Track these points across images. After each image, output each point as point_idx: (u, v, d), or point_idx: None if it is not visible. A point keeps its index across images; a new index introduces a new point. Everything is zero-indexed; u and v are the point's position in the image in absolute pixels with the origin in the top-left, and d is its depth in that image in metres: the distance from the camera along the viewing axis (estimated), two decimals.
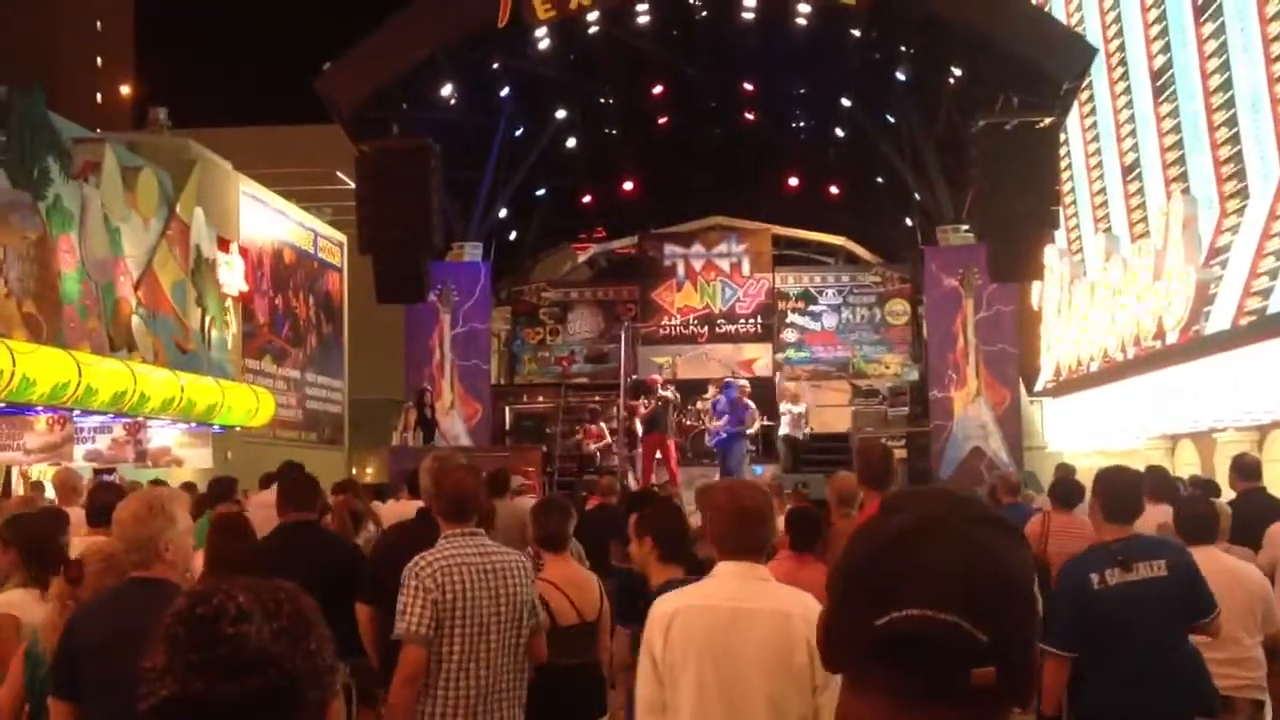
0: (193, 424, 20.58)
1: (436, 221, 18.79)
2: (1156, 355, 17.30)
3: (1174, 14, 18.05)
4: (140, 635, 1.55)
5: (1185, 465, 17.25)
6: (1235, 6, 15.92)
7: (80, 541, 5.97)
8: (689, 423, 20.35)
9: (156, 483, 11.99)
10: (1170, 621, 4.97)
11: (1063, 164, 20.92)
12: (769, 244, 24.80)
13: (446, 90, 19.95)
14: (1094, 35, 21.14)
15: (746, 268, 24.24)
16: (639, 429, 18.62)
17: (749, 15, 19.71)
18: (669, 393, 18.54)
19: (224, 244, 24.58)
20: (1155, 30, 18.92)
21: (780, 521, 5.55)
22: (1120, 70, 20.73)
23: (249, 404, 22.27)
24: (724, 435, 17.63)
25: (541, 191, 25.08)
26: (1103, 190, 22.14)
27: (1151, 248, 17.86)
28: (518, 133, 22.30)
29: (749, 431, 17.96)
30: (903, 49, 19.98)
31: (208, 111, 49.36)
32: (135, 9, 67.80)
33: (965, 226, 20.55)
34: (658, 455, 18.04)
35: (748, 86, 23.69)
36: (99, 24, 63.58)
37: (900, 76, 20.54)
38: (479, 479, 5.19)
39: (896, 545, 1.31)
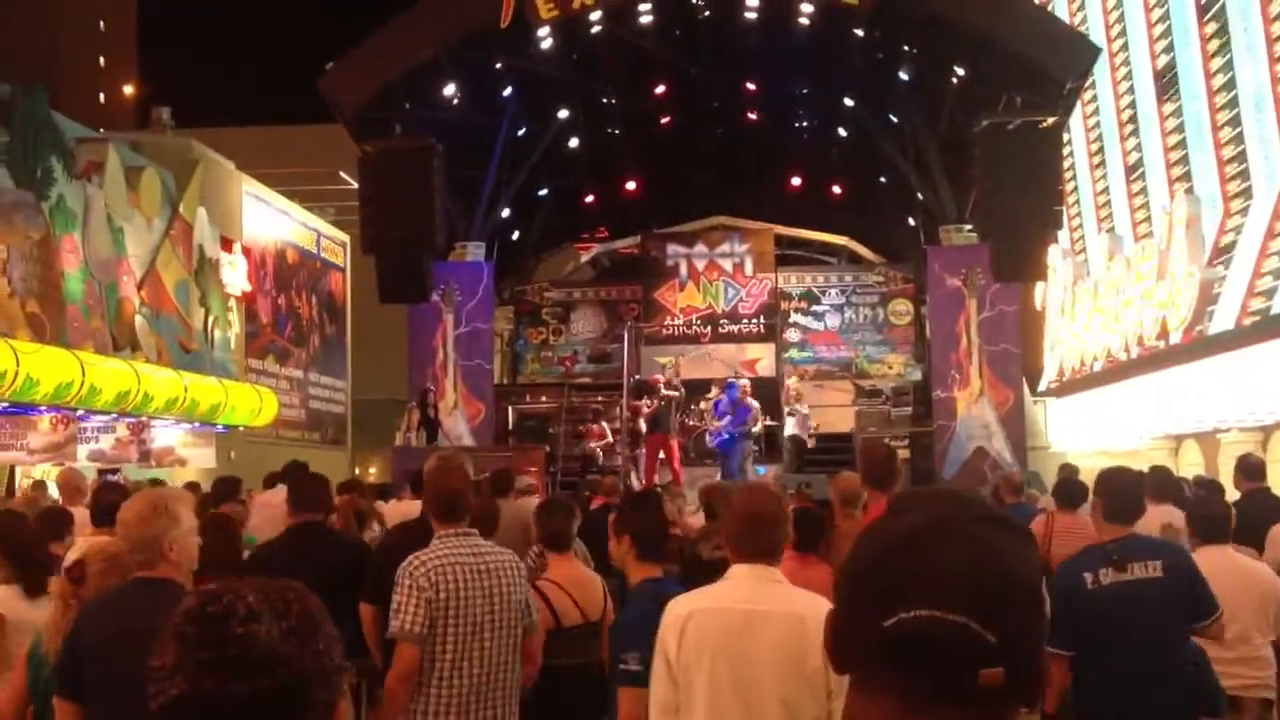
0: (196, 424, 20.59)
1: (439, 221, 18.80)
2: (1160, 355, 17.29)
3: (1177, 13, 18.04)
4: (145, 635, 1.55)
5: (1189, 466, 17.25)
6: (1239, 6, 15.91)
7: (84, 541, 5.98)
8: (691, 423, 20.35)
9: (155, 482, 12.00)
10: (1169, 622, 4.96)
11: (1066, 164, 20.90)
12: (772, 244, 24.79)
13: (449, 90, 19.95)
14: (1097, 34, 21.14)
15: (749, 268, 24.24)
16: (643, 428, 18.61)
17: (751, 15, 19.70)
18: (674, 391, 18.51)
19: (227, 244, 24.59)
20: (1159, 30, 18.91)
21: None
22: (1124, 70, 20.72)
23: (252, 404, 22.28)
24: (726, 436, 17.60)
25: (544, 191, 25.08)
26: (1106, 190, 22.13)
27: (1155, 247, 17.85)
28: (520, 132, 22.29)
29: (753, 431, 17.95)
30: (905, 48, 19.97)
31: (211, 111, 49.42)
32: (138, 9, 67.83)
33: (968, 226, 20.54)
34: (661, 455, 18.03)
35: (750, 86, 23.67)
36: (102, 24, 63.60)
37: (903, 76, 20.52)
38: (469, 479, 5.20)
39: (904, 546, 1.31)
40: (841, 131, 24.37)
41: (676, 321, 24.10)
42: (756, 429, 18.14)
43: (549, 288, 25.81)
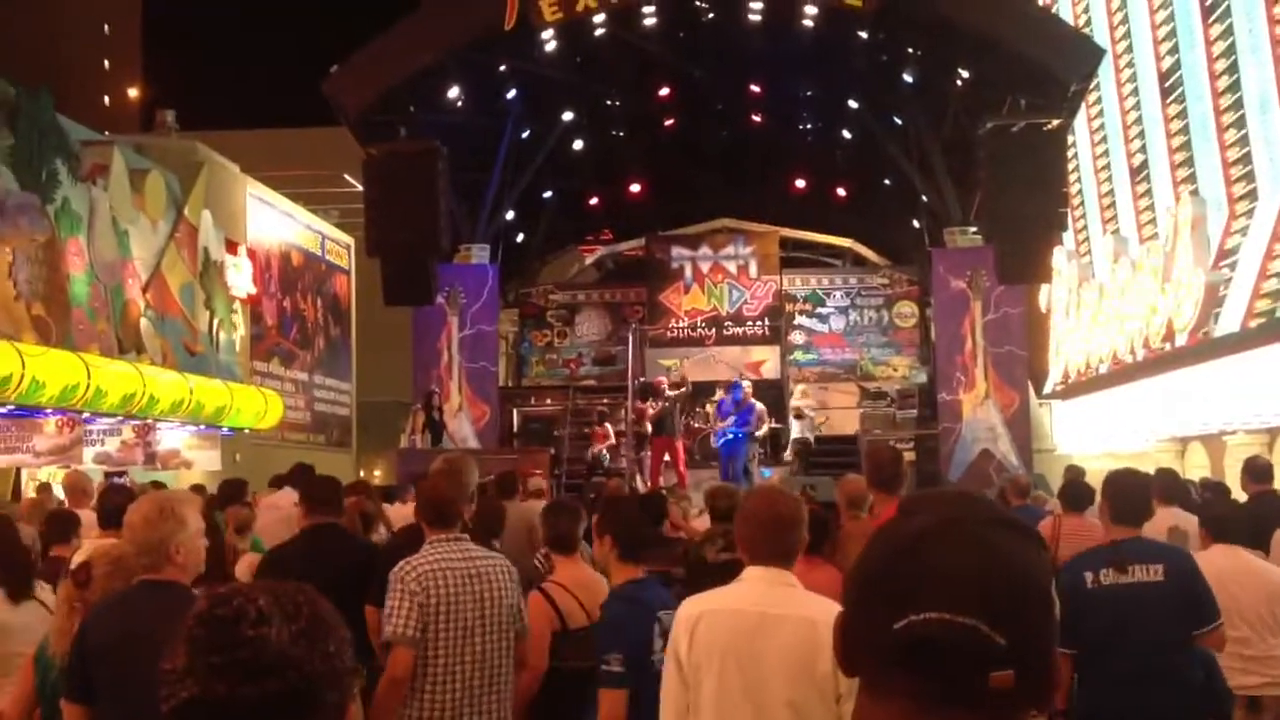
0: (201, 426, 20.61)
1: (444, 224, 18.79)
2: (1166, 357, 17.27)
3: (1182, 15, 18.03)
4: (151, 638, 1.55)
5: (1195, 468, 17.22)
6: (1243, 7, 15.89)
7: (90, 544, 5.98)
8: (697, 425, 20.34)
9: (156, 485, 12.01)
10: (1168, 625, 4.95)
11: (1070, 165, 20.89)
12: (776, 246, 24.77)
13: (453, 93, 19.96)
14: (1101, 36, 21.12)
15: (754, 270, 24.21)
16: (648, 430, 18.60)
17: (755, 17, 19.69)
18: (680, 391, 18.49)
19: (232, 246, 24.62)
20: (1163, 31, 18.90)
21: None
22: (1128, 71, 20.71)
23: (257, 406, 22.30)
24: (730, 436, 17.56)
25: (549, 194, 25.08)
26: (1111, 192, 22.12)
27: (1160, 249, 17.85)
28: (524, 135, 22.30)
29: (757, 435, 17.93)
30: (910, 50, 19.95)
31: (215, 114, 49.48)
32: (143, 11, 67.91)
33: (973, 228, 20.52)
34: (666, 458, 18.02)
35: (754, 88, 23.67)
36: (106, 27, 63.67)
37: (907, 78, 20.51)
38: (462, 485, 5.25)
39: (913, 548, 1.31)
40: (846, 133, 24.36)
41: (681, 324, 24.09)
42: (761, 432, 18.13)
43: (554, 290, 25.80)
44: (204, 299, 23.30)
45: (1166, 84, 18.77)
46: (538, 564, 7.13)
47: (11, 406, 15.25)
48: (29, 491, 16.70)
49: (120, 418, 17.84)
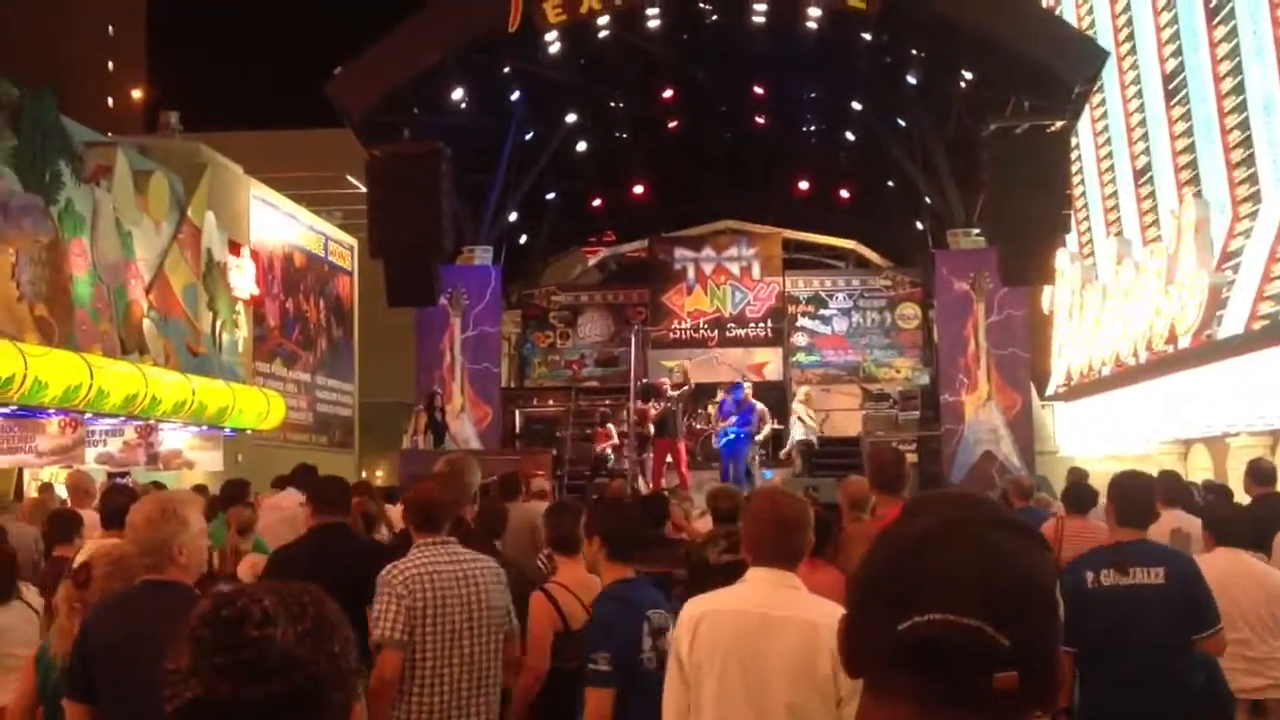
0: (204, 427, 20.62)
1: (447, 225, 18.79)
2: (1169, 360, 17.26)
3: (1186, 17, 18.02)
4: (153, 637, 1.56)
5: (1198, 470, 17.20)
6: (1247, 9, 15.88)
7: (93, 544, 5.99)
8: (699, 426, 20.33)
9: (155, 485, 12.02)
10: (1168, 629, 4.95)
11: (1074, 167, 20.88)
12: (779, 248, 24.76)
13: (457, 94, 19.97)
14: (1105, 38, 21.12)
15: (757, 271, 24.20)
16: (650, 431, 18.59)
17: (759, 19, 19.68)
18: (682, 391, 18.48)
19: (235, 247, 24.63)
20: (1167, 33, 18.89)
21: None
22: (1132, 73, 20.70)
23: (260, 407, 22.32)
24: (732, 436, 17.54)
25: (552, 195, 25.09)
26: (1114, 194, 22.11)
27: (1163, 251, 17.83)
28: (528, 136, 22.31)
29: (758, 437, 17.92)
30: (913, 52, 19.96)
31: (219, 115, 49.52)
32: (146, 13, 68.00)
33: (976, 230, 20.50)
34: (668, 459, 18.01)
35: (758, 90, 23.67)
36: (110, 28, 63.75)
37: (911, 80, 20.51)
38: (460, 485, 5.28)
39: (916, 550, 1.31)
40: (849, 135, 24.35)
41: (684, 325, 24.08)
42: (762, 434, 18.13)
43: (556, 291, 25.80)
44: (207, 300, 23.32)
45: (1170, 86, 18.76)
46: (540, 565, 7.13)
47: (14, 407, 15.27)
48: (31, 492, 16.72)
49: (123, 418, 17.86)
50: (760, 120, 24.65)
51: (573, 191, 25.63)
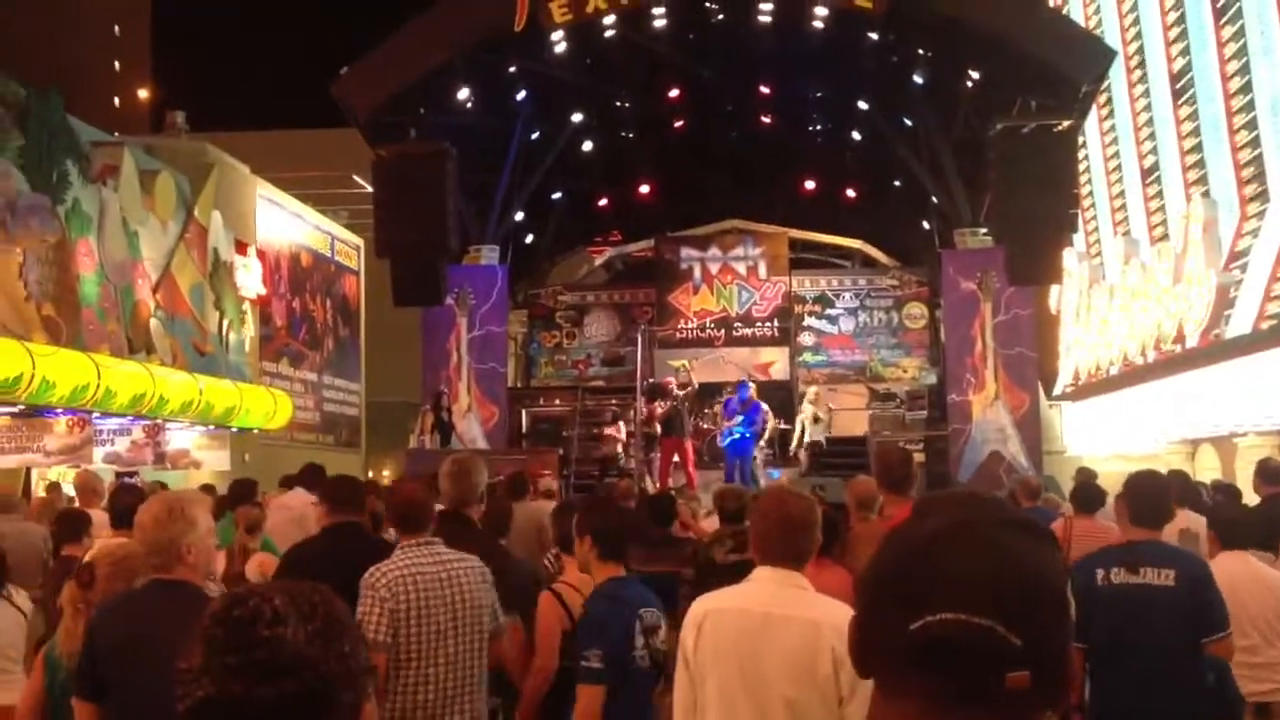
0: (211, 427, 20.63)
1: (453, 225, 18.82)
2: (1176, 359, 17.23)
3: (1193, 16, 17.97)
4: (161, 637, 1.56)
5: (1206, 470, 17.18)
6: (1255, 9, 15.84)
7: (101, 544, 6.00)
8: (706, 426, 20.33)
9: (159, 485, 12.03)
10: (1177, 631, 4.94)
11: (1081, 167, 20.84)
12: (786, 247, 24.78)
13: (463, 94, 19.99)
14: (1112, 37, 21.07)
15: (763, 271, 24.21)
16: (657, 431, 18.60)
17: (765, 18, 19.69)
18: (686, 390, 18.48)
19: (241, 247, 24.65)
20: (1174, 33, 18.84)
21: None
22: (1139, 73, 20.65)
23: (266, 406, 22.33)
24: (738, 437, 17.54)
25: (558, 195, 25.11)
26: (1122, 193, 22.07)
27: (1171, 251, 17.80)
28: (534, 136, 22.33)
29: (761, 435, 17.94)
30: (920, 52, 19.95)
31: (225, 115, 49.52)
32: (152, 13, 68.09)
33: (983, 229, 20.50)
34: (675, 459, 18.01)
35: (764, 89, 23.67)
36: (116, 28, 63.84)
37: (917, 79, 20.50)
38: (431, 490, 5.31)
39: (927, 550, 1.31)
40: (855, 135, 24.34)
41: (690, 325, 24.10)
42: (766, 434, 18.14)
43: (563, 291, 25.82)
44: (214, 299, 23.33)
45: (1178, 85, 18.72)
46: (548, 564, 7.14)
47: (22, 406, 15.29)
48: (39, 491, 16.74)
49: (130, 418, 17.87)
50: (766, 120, 24.65)
51: (579, 191, 25.64)
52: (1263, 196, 15.89)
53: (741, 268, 24.28)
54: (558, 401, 22.62)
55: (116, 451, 18.36)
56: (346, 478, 6.63)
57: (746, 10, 19.69)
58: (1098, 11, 22.98)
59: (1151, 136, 20.15)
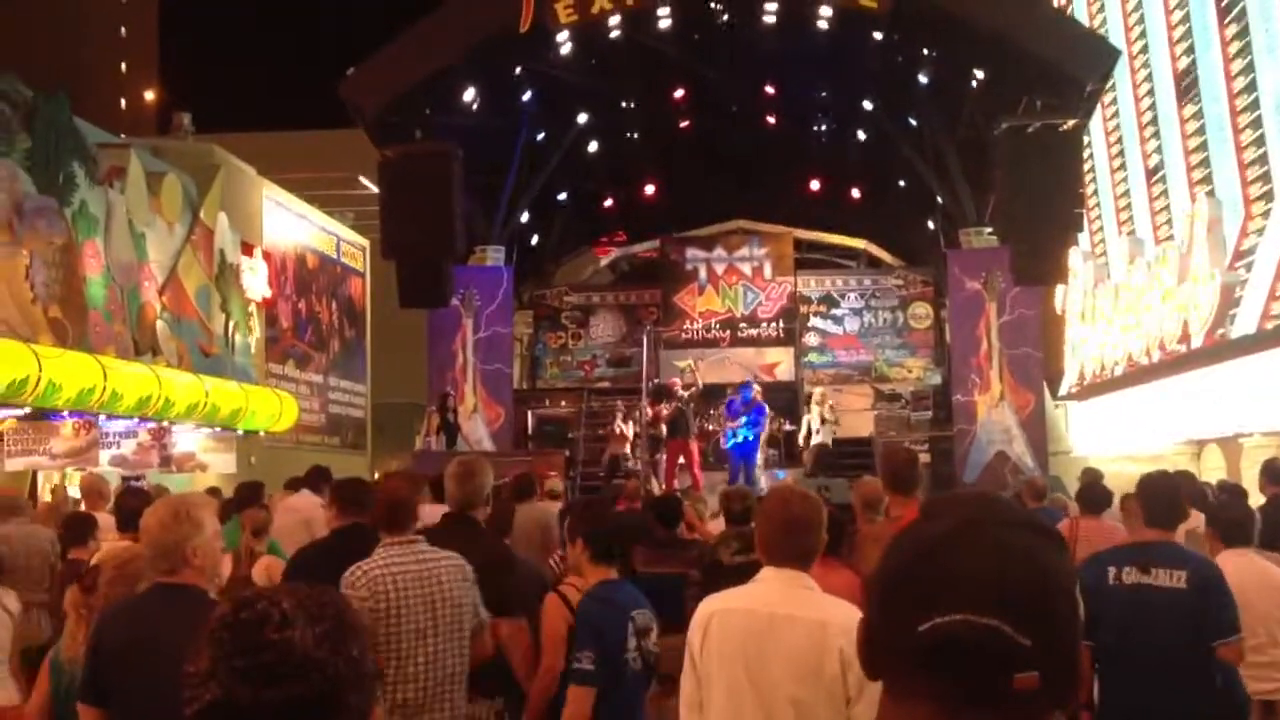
0: (217, 429, 20.65)
1: (459, 226, 18.81)
2: (1182, 359, 17.20)
3: (1198, 15, 17.95)
4: (166, 640, 1.56)
5: (1211, 470, 17.14)
6: (1260, 8, 15.82)
7: (108, 547, 6.02)
8: (711, 427, 20.33)
9: (160, 489, 12.04)
10: (1186, 632, 4.93)
11: (1086, 166, 20.82)
12: (791, 247, 24.77)
13: (469, 95, 20.00)
14: (1117, 37, 21.05)
15: (768, 271, 24.22)
16: (663, 432, 18.60)
17: (770, 19, 19.69)
18: (691, 391, 18.47)
19: (247, 249, 24.67)
20: (1179, 32, 18.81)
21: None
22: (1144, 72, 20.62)
23: (272, 408, 22.34)
24: (743, 439, 17.53)
25: (563, 195, 25.11)
26: (1126, 193, 22.03)
27: (1176, 250, 17.78)
28: (539, 137, 22.34)
29: (764, 436, 17.95)
30: (925, 51, 19.94)
31: (231, 117, 49.65)
32: (159, 14, 68.22)
33: (988, 229, 20.49)
34: (680, 460, 18.01)
35: (769, 90, 23.66)
36: (123, 30, 63.98)
37: (922, 79, 20.49)
38: (414, 488, 5.30)
39: (935, 551, 1.31)
40: (860, 134, 24.33)
41: (695, 325, 24.10)
42: (767, 434, 18.15)
43: (568, 292, 25.83)
44: (220, 301, 23.35)
45: (1182, 84, 18.69)
46: (553, 565, 7.14)
47: (28, 409, 15.31)
48: (45, 494, 16.77)
49: (136, 420, 17.89)
50: (771, 120, 24.64)
51: (584, 192, 25.65)
52: (1268, 196, 15.86)
53: (746, 268, 24.28)
54: (563, 403, 22.63)
55: (122, 454, 18.37)
56: (356, 479, 6.63)
57: (751, 10, 19.69)
58: (1102, 11, 22.95)
59: (1156, 136, 20.12)
